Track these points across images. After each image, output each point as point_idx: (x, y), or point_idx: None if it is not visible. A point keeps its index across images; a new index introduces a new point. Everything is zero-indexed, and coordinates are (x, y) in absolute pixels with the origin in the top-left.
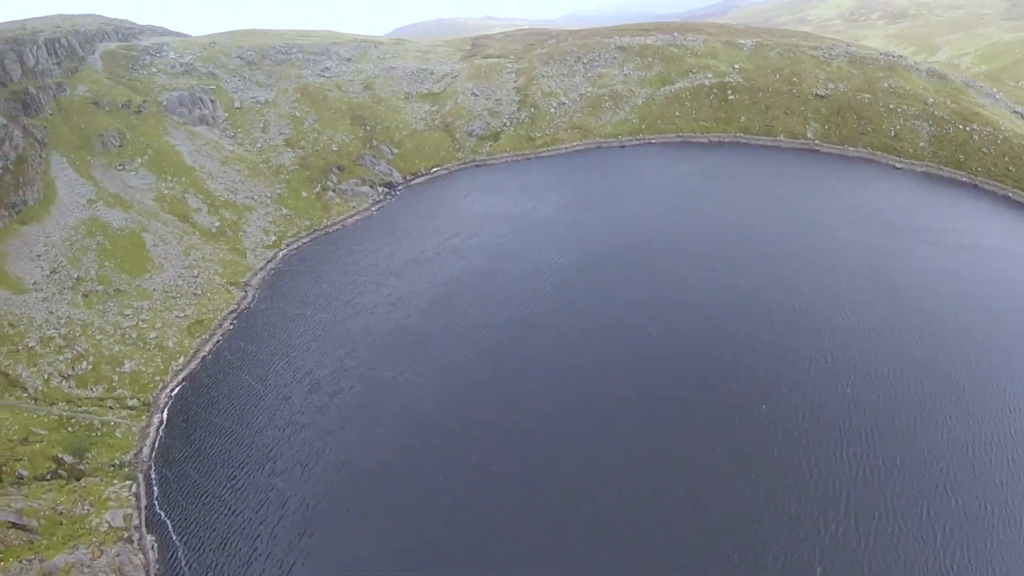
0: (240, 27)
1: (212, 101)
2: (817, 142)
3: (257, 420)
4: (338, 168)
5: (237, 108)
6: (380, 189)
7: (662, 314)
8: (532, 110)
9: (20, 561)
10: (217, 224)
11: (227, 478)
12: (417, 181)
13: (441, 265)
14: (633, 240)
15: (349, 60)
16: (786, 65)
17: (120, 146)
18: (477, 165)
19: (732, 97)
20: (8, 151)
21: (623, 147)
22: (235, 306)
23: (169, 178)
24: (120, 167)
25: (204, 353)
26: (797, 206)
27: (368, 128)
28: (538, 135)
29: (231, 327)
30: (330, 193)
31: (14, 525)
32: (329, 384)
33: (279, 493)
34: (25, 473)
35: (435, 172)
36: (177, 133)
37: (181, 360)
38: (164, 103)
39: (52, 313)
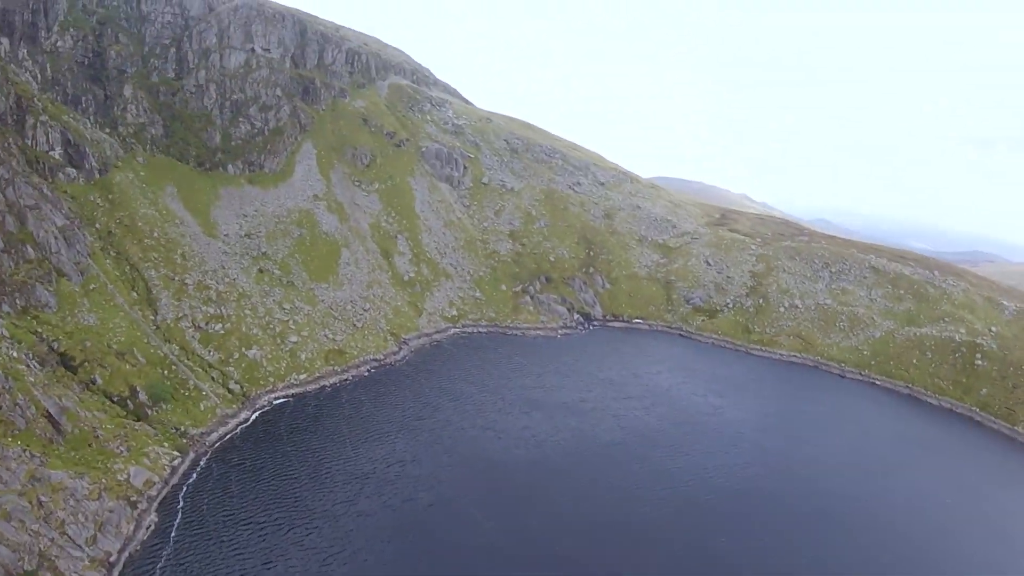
0: (514, 112)
1: (465, 167)
2: None
3: (323, 478)
4: (546, 278)
5: (483, 183)
6: (576, 316)
7: None
8: (760, 301)
9: (24, 450)
10: (412, 274)
11: (260, 515)
12: (615, 324)
13: (593, 423)
14: (809, 494)
15: (602, 185)
16: None
17: (367, 166)
18: (682, 335)
19: (980, 363)
20: (270, 118)
21: (842, 377)
22: (382, 356)
23: (393, 214)
24: (357, 183)
25: (326, 383)
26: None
27: (591, 254)
28: (757, 329)
29: (366, 374)
30: (527, 298)
31: (49, 417)
32: (411, 487)
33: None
34: (99, 381)
35: (636, 323)
36: (421, 180)
37: (303, 376)
38: (423, 149)
39: (223, 267)
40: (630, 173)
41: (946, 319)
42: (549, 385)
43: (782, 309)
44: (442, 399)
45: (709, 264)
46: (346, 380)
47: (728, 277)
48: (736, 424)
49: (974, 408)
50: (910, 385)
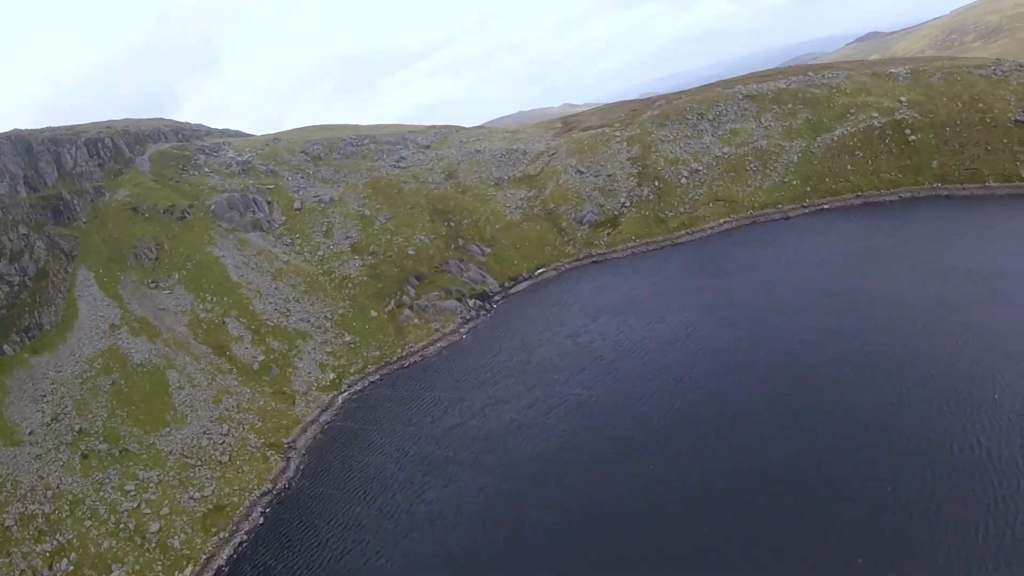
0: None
1: (268, 203)
2: None
3: None
4: (416, 278)
5: (297, 210)
6: (471, 302)
7: None
8: (656, 183)
9: None
10: (261, 359)
11: None
12: (519, 288)
13: (558, 434)
14: (820, 395)
15: (428, 147)
16: (960, 90)
17: (156, 259)
18: (595, 261)
19: (914, 138)
20: (27, 264)
21: (787, 219)
22: (270, 484)
23: (208, 298)
24: (152, 284)
25: (220, 562)
26: None
27: (452, 224)
28: (671, 215)
29: (261, 520)
30: (406, 311)
31: None
32: None
33: None
34: None
35: (541, 274)
36: (223, 242)
37: (188, 570)
38: (212, 207)
39: (42, 479)
40: (451, 125)
41: (852, 111)
42: (480, 407)
43: (683, 181)
44: (365, 508)
45: (582, 172)
46: (242, 544)
47: (609, 176)
48: (722, 338)
49: (937, 184)
50: (860, 192)
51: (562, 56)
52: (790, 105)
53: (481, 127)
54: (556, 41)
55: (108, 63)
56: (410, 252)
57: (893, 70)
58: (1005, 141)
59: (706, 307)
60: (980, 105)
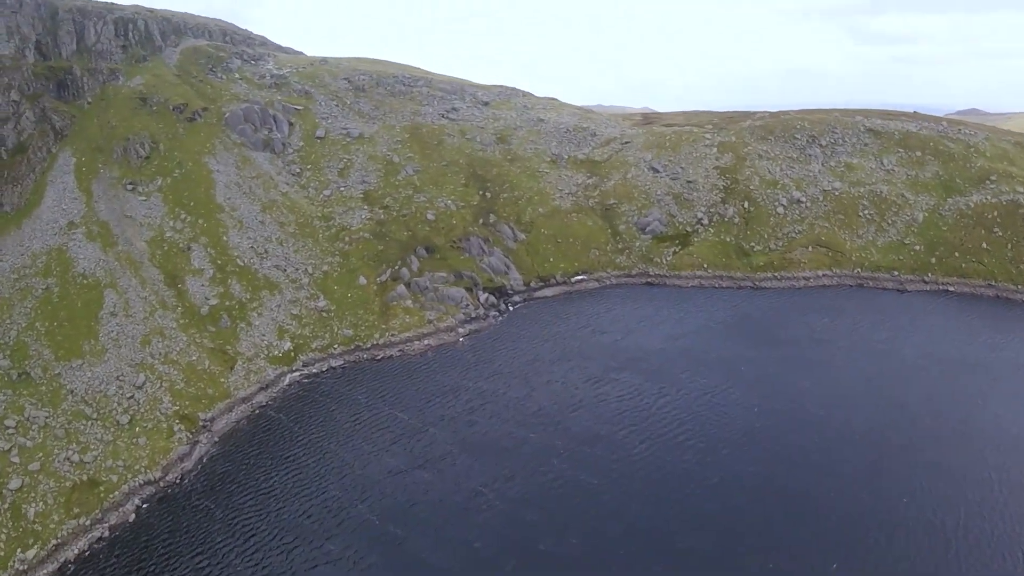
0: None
1: (291, 124)
2: None
3: None
4: (426, 249)
5: (318, 138)
6: (483, 296)
7: None
8: (746, 205)
9: None
10: (214, 302)
11: None
12: (546, 292)
13: (536, 531)
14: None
15: (486, 104)
16: None
17: (146, 158)
18: (649, 282)
19: None
20: (7, 134)
21: (902, 291)
22: (160, 471)
23: (183, 216)
24: (130, 186)
25: (69, 555)
26: None
27: (488, 195)
28: (758, 247)
29: (132, 517)
30: (401, 288)
31: None
32: None
33: None
34: None
35: (579, 281)
36: (225, 156)
37: (32, 552)
38: (227, 115)
39: None
40: (518, 88)
41: (992, 179)
42: (441, 453)
43: (780, 209)
44: (240, 558)
45: (657, 171)
46: (99, 541)
47: (688, 182)
48: (798, 455)
49: None
50: (992, 282)
51: (642, 57)
52: (919, 153)
53: (552, 98)
54: (639, 40)
55: None
56: (429, 216)
57: None
58: None
59: (783, 392)
60: None
